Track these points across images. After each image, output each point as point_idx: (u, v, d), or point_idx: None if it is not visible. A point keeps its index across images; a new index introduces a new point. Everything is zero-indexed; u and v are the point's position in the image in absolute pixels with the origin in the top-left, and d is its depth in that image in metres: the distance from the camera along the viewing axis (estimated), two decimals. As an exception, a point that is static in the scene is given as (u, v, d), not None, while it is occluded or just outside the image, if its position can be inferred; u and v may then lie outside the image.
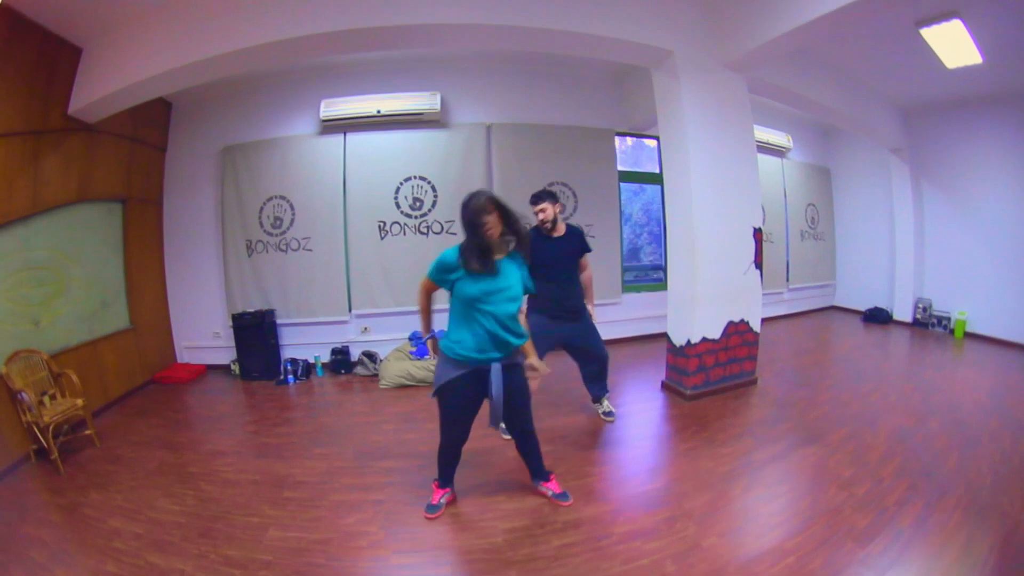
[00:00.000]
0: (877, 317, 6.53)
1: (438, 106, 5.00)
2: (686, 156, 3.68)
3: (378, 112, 5.00)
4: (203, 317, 5.33)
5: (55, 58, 3.53)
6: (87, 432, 3.46)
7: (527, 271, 2.26)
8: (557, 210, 3.10)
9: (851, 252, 7.37)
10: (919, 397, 3.77)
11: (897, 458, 2.80)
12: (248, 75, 4.85)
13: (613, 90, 5.65)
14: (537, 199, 3.10)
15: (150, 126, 4.90)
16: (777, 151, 6.83)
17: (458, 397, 2.23)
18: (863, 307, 6.90)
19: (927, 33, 3.84)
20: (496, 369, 2.15)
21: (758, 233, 4.01)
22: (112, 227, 4.57)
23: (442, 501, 2.50)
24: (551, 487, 2.57)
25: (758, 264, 4.04)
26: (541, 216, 3.08)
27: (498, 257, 2.15)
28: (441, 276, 2.18)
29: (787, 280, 7.04)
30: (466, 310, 2.15)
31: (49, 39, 3.44)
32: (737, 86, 3.85)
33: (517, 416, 2.36)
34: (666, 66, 3.73)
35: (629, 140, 6.14)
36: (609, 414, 3.53)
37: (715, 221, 3.76)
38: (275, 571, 2.11)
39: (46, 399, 3.37)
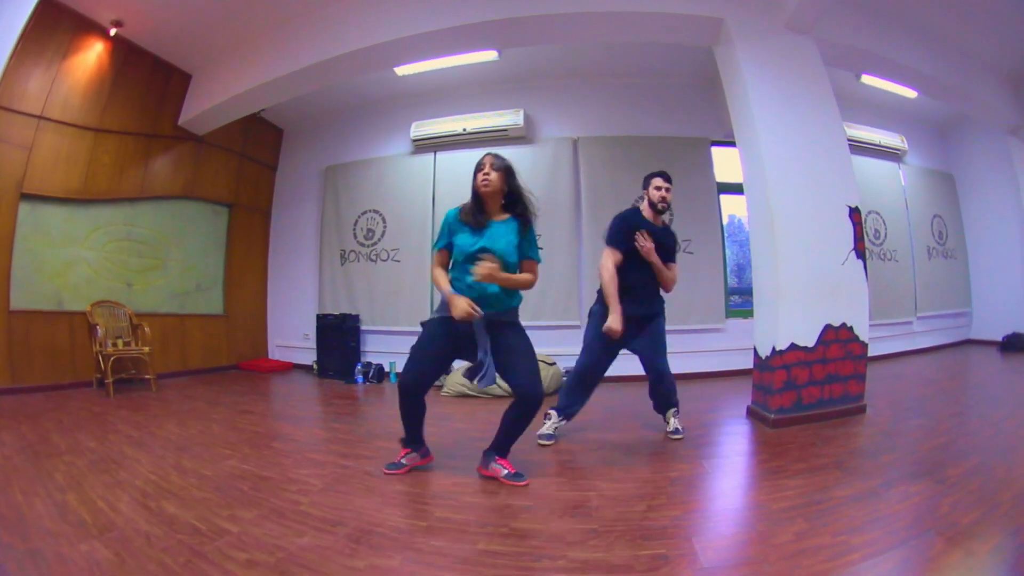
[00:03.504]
0: (1016, 344, 5.95)
1: (521, 122, 5.37)
2: (751, 121, 3.44)
3: (464, 130, 5.54)
4: (296, 319, 6.17)
5: (166, 80, 4.92)
6: (147, 376, 4.31)
7: (526, 241, 2.33)
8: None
9: (985, 272, 6.79)
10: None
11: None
12: (349, 102, 5.86)
13: (704, 97, 5.51)
14: (668, 177, 2.99)
15: (261, 147, 6.18)
16: (892, 154, 6.41)
17: (433, 336, 2.32)
18: (1000, 336, 6.24)
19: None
20: (480, 325, 2.21)
21: (855, 214, 3.44)
22: (217, 226, 5.73)
23: (403, 461, 2.44)
24: (505, 465, 2.33)
25: (860, 252, 3.41)
26: (664, 195, 2.95)
27: (496, 219, 2.33)
28: (443, 233, 2.37)
29: (915, 308, 6.30)
30: (461, 269, 2.30)
31: (160, 64, 4.84)
32: (806, 51, 3.65)
33: (512, 375, 2.26)
34: (722, 39, 3.69)
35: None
36: (676, 432, 3.04)
37: (797, 196, 3.36)
38: (204, 482, 2.30)
39: (119, 342, 4.33)
